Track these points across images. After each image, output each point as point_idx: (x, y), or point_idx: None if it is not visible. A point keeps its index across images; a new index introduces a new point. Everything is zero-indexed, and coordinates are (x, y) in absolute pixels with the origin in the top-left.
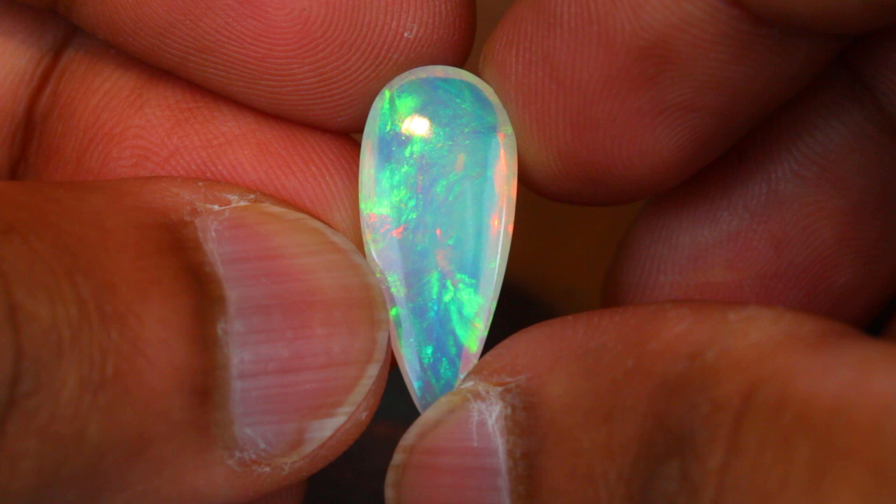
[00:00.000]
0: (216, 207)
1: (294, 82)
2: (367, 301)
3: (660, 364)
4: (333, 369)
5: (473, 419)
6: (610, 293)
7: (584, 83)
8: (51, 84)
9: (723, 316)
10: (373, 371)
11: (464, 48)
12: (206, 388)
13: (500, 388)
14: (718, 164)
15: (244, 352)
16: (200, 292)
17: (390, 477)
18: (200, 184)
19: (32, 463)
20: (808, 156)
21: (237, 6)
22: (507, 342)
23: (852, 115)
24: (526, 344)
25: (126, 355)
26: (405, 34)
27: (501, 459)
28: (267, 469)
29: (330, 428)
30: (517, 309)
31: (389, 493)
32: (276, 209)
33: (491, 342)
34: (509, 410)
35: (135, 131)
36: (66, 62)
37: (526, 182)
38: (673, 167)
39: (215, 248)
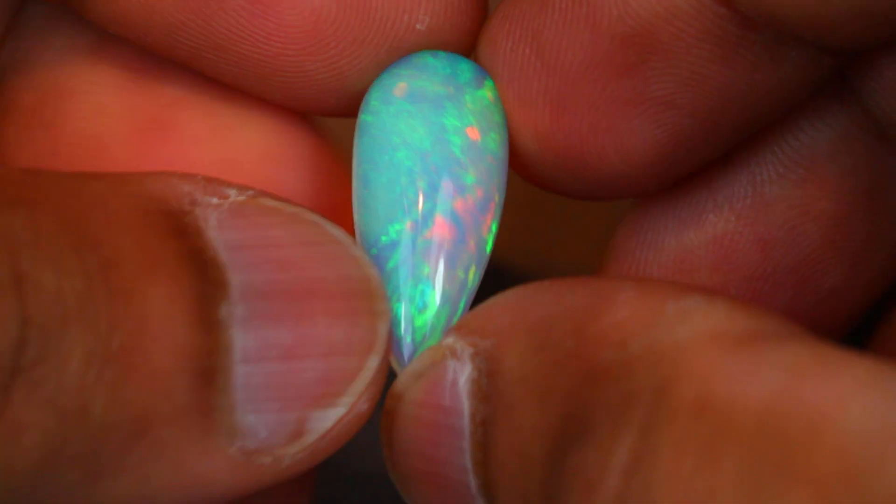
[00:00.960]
0: (215, 200)
1: (308, 78)
2: (367, 292)
3: (592, 350)
4: (335, 358)
5: (448, 377)
6: None
7: (567, 65)
8: (10, 39)
9: (662, 306)
10: (374, 362)
11: (475, 36)
12: (209, 371)
13: (471, 350)
14: (703, 165)
15: (247, 336)
16: (203, 275)
17: (384, 420)
18: (199, 178)
19: (37, 436)
20: (794, 158)
21: (249, 6)
22: (489, 301)
23: (838, 117)
24: (500, 307)
25: (131, 331)
26: (417, 26)
27: (466, 422)
28: (268, 459)
29: (331, 418)
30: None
31: (383, 436)
32: (274, 203)
33: None
34: (475, 374)
35: (87, 87)
36: (26, 17)
37: (511, 164)
38: (649, 165)
39: (217, 235)
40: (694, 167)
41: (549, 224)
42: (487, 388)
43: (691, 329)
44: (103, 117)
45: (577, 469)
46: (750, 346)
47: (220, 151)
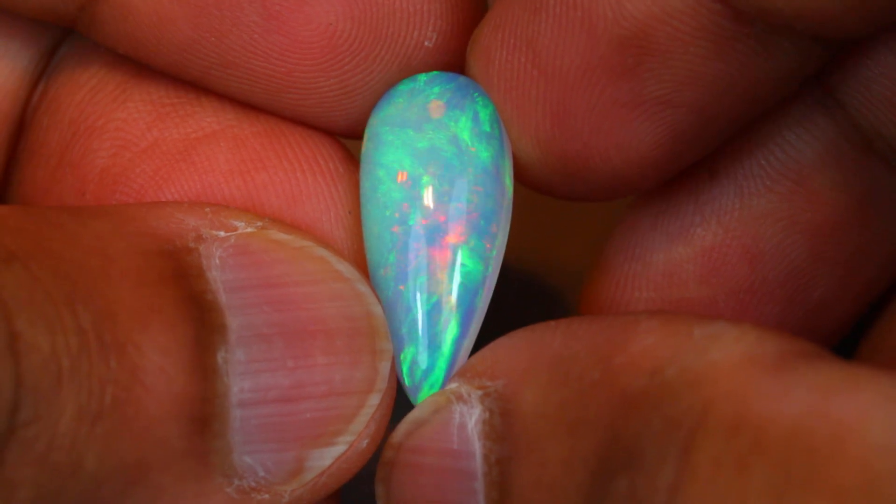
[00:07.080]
0: (222, 234)
1: (318, 94)
2: (369, 330)
3: (623, 378)
4: (334, 398)
5: (455, 421)
6: (586, 311)
7: (565, 70)
8: (42, 81)
9: (688, 332)
10: (374, 400)
11: None
12: (205, 417)
13: (480, 392)
14: (691, 179)
15: (244, 381)
16: (201, 321)
17: (380, 473)
18: (207, 209)
19: (30, 491)
20: (781, 171)
21: (263, 23)
22: (492, 345)
23: (824, 130)
24: (507, 349)
25: (124, 384)
26: (426, 43)
27: (478, 463)
28: (266, 496)
29: (330, 456)
30: (519, 291)
31: (379, 488)
32: (283, 236)
33: (491, 328)
34: (487, 415)
35: (116, 124)
36: (58, 59)
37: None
38: (650, 164)
39: (218, 275)
40: (693, 159)
41: (549, 224)
42: (502, 427)
43: (725, 352)
44: (129, 153)
45: (627, 493)
46: (782, 366)
47: (247, 187)
